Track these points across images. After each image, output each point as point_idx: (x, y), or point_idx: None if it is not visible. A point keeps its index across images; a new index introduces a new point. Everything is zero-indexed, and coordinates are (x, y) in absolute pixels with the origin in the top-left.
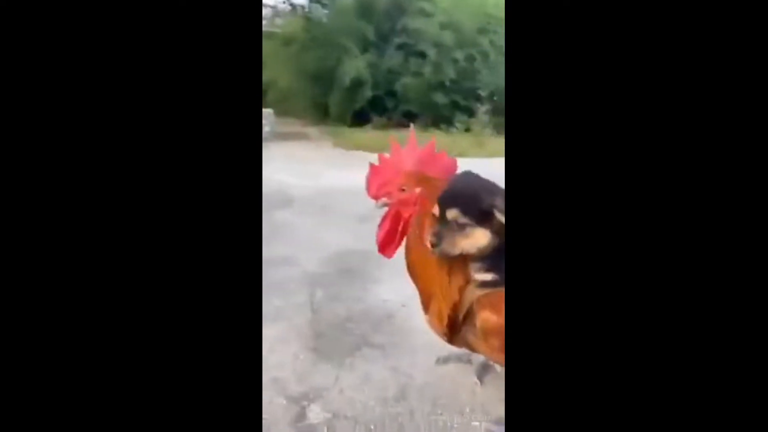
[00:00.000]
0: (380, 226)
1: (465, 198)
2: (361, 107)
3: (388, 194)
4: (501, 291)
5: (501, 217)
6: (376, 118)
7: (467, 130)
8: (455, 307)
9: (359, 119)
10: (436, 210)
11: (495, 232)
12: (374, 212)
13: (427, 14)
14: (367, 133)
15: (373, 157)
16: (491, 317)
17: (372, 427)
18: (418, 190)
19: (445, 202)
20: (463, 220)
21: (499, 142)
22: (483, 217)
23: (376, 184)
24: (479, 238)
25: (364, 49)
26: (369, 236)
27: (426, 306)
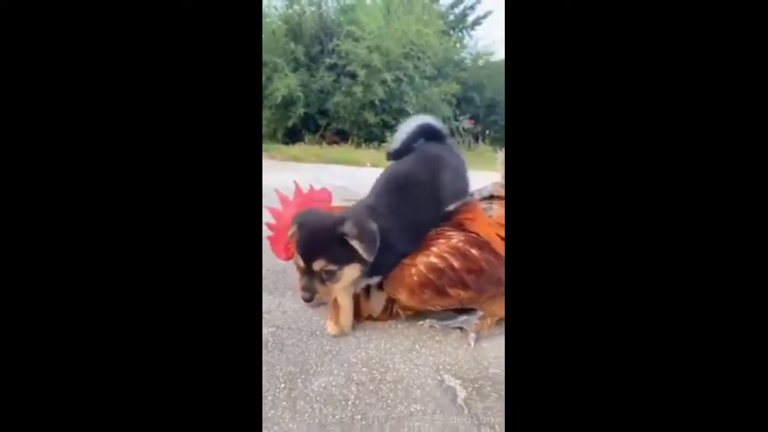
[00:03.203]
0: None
1: (322, 242)
2: (293, 125)
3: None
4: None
5: (354, 242)
6: (308, 136)
7: None
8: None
9: (291, 137)
10: (300, 262)
11: (359, 260)
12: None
13: (355, 38)
14: (300, 147)
15: (306, 167)
16: (402, 294)
17: (317, 332)
18: None
19: (308, 253)
20: (331, 267)
21: None
22: (346, 254)
23: (282, 247)
24: (349, 275)
25: (295, 69)
26: None
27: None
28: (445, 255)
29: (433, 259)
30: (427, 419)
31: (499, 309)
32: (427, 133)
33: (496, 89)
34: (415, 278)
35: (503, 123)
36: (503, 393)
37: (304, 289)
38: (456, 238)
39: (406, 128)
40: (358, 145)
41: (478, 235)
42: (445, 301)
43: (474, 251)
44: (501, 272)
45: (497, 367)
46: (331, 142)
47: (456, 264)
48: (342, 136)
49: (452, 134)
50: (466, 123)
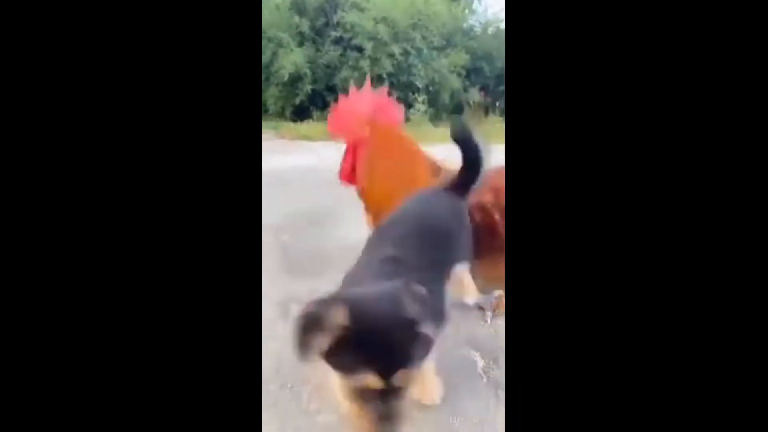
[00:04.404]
0: (343, 161)
1: (396, 344)
2: (300, 102)
3: (344, 133)
4: None
5: (427, 331)
6: (317, 113)
7: (407, 120)
8: None
9: (299, 114)
10: (370, 383)
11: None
12: (322, 183)
13: (361, 9)
14: (309, 125)
15: (317, 146)
16: None
17: None
18: (367, 131)
19: (387, 369)
20: (413, 372)
21: (436, 131)
22: (423, 347)
23: (335, 125)
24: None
25: (300, 44)
26: (322, 200)
27: (375, 221)
28: (472, 209)
29: None
30: (451, 384)
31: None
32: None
33: None
34: None
35: None
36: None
37: (387, 418)
38: (487, 197)
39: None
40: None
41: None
42: None
43: (497, 216)
44: None
45: None
46: None
47: (477, 218)
48: None
49: (462, 107)
50: (477, 95)
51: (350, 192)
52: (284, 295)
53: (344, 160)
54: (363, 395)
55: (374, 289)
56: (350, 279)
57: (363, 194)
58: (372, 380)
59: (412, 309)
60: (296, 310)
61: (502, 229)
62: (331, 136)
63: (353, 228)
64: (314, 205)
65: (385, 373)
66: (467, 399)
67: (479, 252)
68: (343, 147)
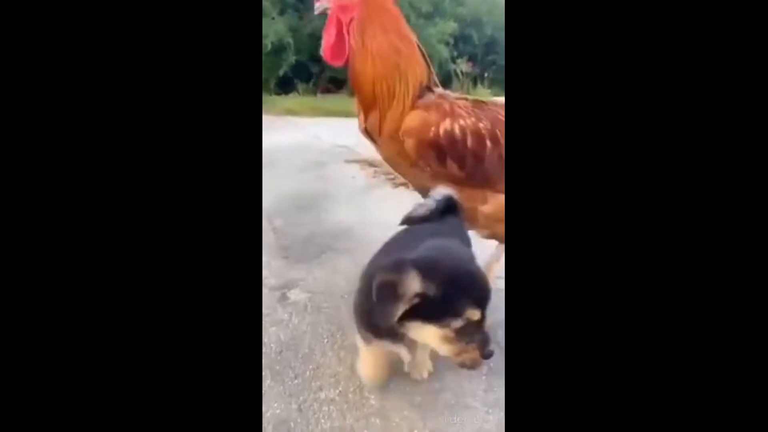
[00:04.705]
0: (324, 34)
1: (478, 278)
2: (284, 74)
3: None
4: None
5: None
6: (301, 86)
7: None
8: (394, 122)
9: (283, 87)
10: (475, 315)
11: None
12: (312, 163)
13: None
14: (294, 99)
15: (305, 123)
16: (415, 116)
17: (345, 296)
18: None
19: (486, 298)
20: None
21: None
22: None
23: None
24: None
25: (282, 12)
26: (314, 181)
27: (365, 116)
28: (467, 131)
29: (456, 131)
30: (441, 358)
31: (488, 208)
32: (450, 207)
33: (496, 26)
34: (431, 135)
35: (503, 63)
36: (503, 334)
37: (486, 342)
38: (483, 123)
39: (435, 197)
40: (353, 93)
41: (501, 132)
42: (438, 168)
43: (488, 143)
44: (495, 174)
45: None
46: (324, 91)
47: (469, 142)
48: (335, 84)
49: (450, 79)
50: (465, 66)
51: (341, 173)
52: (281, 280)
53: (326, 33)
54: (463, 332)
55: (424, 246)
56: (379, 256)
57: (352, 76)
58: (473, 313)
59: (464, 250)
60: (297, 296)
61: (490, 157)
62: (320, 10)
63: (345, 211)
64: (305, 187)
65: (482, 302)
66: (458, 371)
67: (464, 178)
68: (340, 126)
